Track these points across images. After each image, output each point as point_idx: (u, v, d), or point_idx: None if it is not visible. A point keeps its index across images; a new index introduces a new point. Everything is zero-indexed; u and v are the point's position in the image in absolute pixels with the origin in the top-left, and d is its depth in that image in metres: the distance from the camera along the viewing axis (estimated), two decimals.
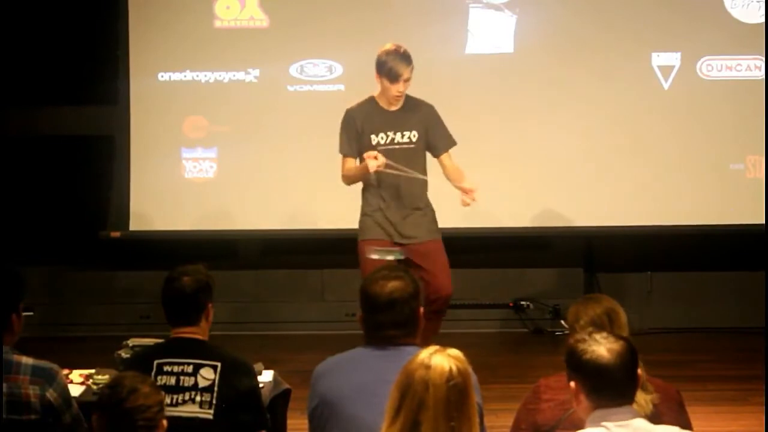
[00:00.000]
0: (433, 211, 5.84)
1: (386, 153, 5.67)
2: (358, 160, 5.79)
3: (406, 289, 3.45)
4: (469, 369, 2.76)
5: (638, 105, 7.04)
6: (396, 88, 5.66)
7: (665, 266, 7.44)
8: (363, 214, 5.84)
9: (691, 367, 6.43)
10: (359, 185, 5.84)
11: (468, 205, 5.74)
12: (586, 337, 2.92)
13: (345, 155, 5.81)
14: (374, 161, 5.57)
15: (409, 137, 5.73)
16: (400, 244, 5.75)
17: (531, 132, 7.00)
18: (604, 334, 2.93)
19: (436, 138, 5.81)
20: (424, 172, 5.77)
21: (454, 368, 2.69)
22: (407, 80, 5.66)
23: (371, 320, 3.45)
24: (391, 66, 5.64)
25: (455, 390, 2.68)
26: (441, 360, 2.71)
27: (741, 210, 7.01)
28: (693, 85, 7.02)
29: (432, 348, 2.76)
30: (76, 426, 3.64)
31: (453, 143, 5.86)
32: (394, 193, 5.73)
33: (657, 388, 3.33)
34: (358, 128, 5.75)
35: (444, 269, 5.79)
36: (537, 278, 7.47)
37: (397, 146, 5.71)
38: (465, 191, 5.70)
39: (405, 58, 5.65)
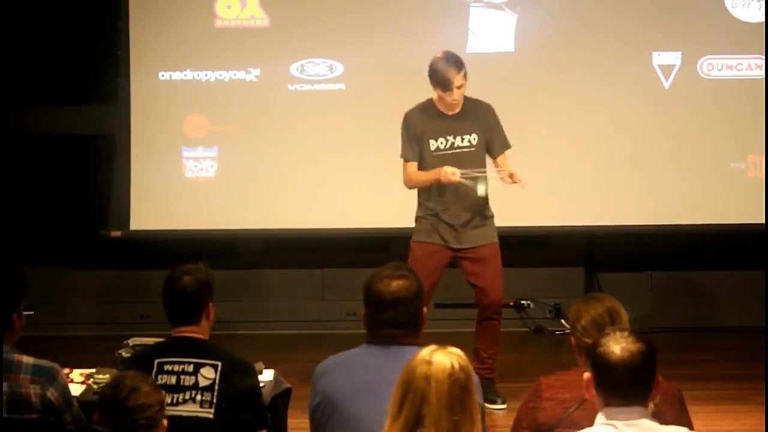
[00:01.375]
0: (492, 218, 5.82)
1: (447, 157, 5.65)
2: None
3: (411, 288, 3.45)
4: (470, 366, 2.77)
5: (639, 104, 7.04)
6: (450, 97, 5.62)
7: (665, 265, 7.44)
8: (420, 217, 5.81)
9: (691, 366, 6.43)
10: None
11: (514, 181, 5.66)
12: (611, 333, 2.93)
13: (407, 160, 5.75)
14: (451, 176, 5.56)
15: (469, 141, 5.70)
16: (455, 249, 5.74)
17: (532, 131, 6.99)
18: (626, 334, 2.92)
19: (494, 140, 5.78)
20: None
21: (455, 364, 2.72)
22: (460, 87, 5.59)
23: (374, 318, 3.45)
24: (441, 74, 5.58)
25: (457, 385, 2.70)
26: (442, 356, 2.73)
27: (741, 209, 7.01)
28: (694, 84, 7.02)
29: (432, 346, 2.78)
30: (77, 425, 3.63)
31: (508, 146, 5.83)
32: (453, 199, 5.71)
33: (658, 387, 3.32)
34: (417, 132, 5.71)
35: (494, 273, 5.77)
36: (538, 277, 7.46)
37: (458, 150, 5.69)
38: (504, 177, 5.65)
39: (455, 63, 5.58)
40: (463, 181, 5.59)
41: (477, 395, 2.81)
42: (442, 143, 5.71)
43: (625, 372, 2.86)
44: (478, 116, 5.74)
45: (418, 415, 2.69)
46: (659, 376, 2.94)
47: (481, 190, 5.63)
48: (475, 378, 2.86)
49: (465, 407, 2.70)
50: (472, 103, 5.76)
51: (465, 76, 5.62)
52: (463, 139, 5.71)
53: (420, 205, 5.82)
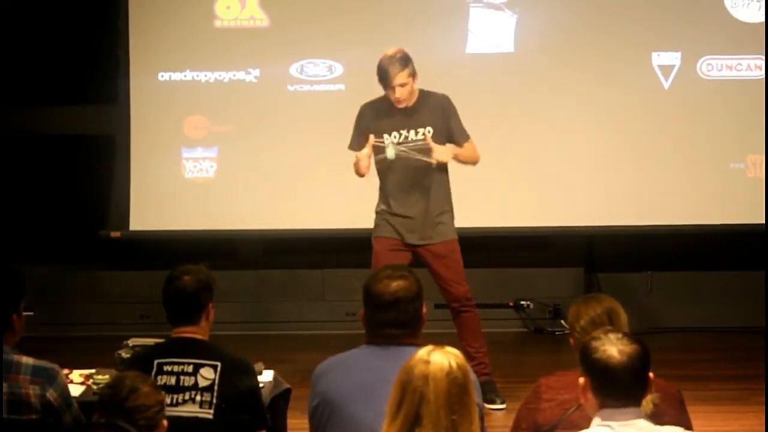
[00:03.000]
0: (451, 215, 5.80)
1: (402, 151, 5.65)
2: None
3: (411, 288, 3.45)
4: (468, 366, 2.78)
5: (638, 104, 7.04)
6: (392, 95, 5.59)
7: (665, 266, 7.44)
8: (377, 212, 5.82)
9: (691, 366, 6.42)
10: (370, 184, 5.81)
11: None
12: (602, 336, 2.93)
13: (351, 149, 5.75)
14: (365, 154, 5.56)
15: (423, 134, 5.67)
16: (413, 245, 5.74)
17: (531, 131, 7.00)
18: (619, 335, 2.92)
19: (452, 130, 5.73)
20: (444, 167, 5.73)
21: (453, 363, 2.72)
22: (402, 85, 5.55)
23: (374, 318, 3.45)
24: (382, 72, 5.56)
25: (455, 384, 2.70)
26: (440, 356, 2.74)
27: (741, 209, 7.01)
28: (693, 84, 7.02)
29: (429, 346, 2.79)
30: (76, 426, 3.64)
31: (466, 137, 5.77)
32: (402, 192, 5.70)
33: (657, 387, 3.31)
34: (368, 125, 5.68)
35: (454, 269, 5.76)
36: (537, 278, 7.47)
37: (411, 144, 5.66)
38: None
39: (399, 61, 5.54)
40: (401, 154, 5.58)
41: (475, 395, 2.82)
42: (395, 137, 5.67)
43: (626, 374, 2.87)
44: (433, 107, 5.69)
45: (416, 414, 2.69)
46: (651, 373, 2.94)
47: (390, 153, 5.60)
48: (474, 377, 2.86)
49: (463, 407, 2.70)
50: (427, 96, 5.71)
51: (411, 75, 5.56)
52: (417, 132, 5.67)
53: (379, 198, 5.82)
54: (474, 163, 5.82)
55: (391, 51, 5.61)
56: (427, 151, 5.65)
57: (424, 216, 5.73)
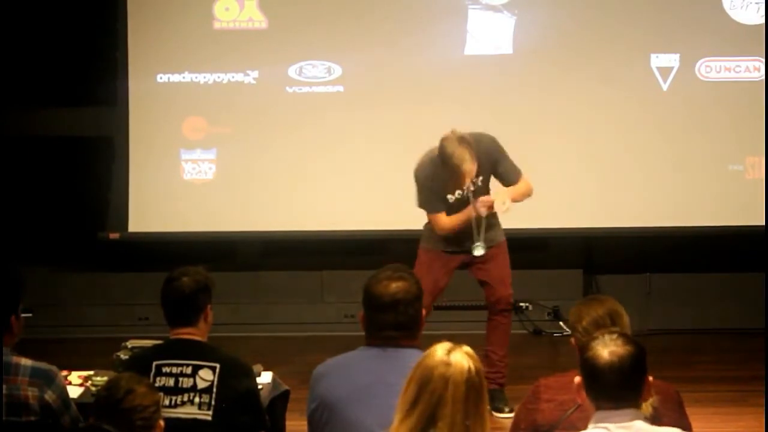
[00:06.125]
0: (498, 221, 5.82)
1: (460, 203, 5.64)
2: None
3: (410, 290, 3.45)
4: (483, 369, 2.76)
5: (637, 106, 7.04)
6: (461, 178, 5.51)
7: (664, 267, 7.43)
8: (428, 224, 5.79)
9: (690, 368, 6.43)
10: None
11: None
12: (600, 336, 2.92)
13: (436, 212, 5.70)
14: (488, 206, 5.58)
15: (476, 183, 5.66)
16: (465, 253, 5.74)
17: (529, 133, 6.99)
18: (615, 336, 2.91)
19: (505, 173, 5.71)
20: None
21: (472, 367, 2.71)
22: (471, 171, 5.49)
23: (373, 320, 3.45)
24: (455, 167, 5.45)
25: (473, 389, 2.69)
26: (460, 358, 2.71)
27: (740, 211, 7.01)
28: (692, 86, 7.02)
29: (447, 344, 2.76)
30: (75, 428, 3.63)
31: (520, 174, 5.75)
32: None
33: (656, 389, 3.31)
34: (436, 189, 5.64)
35: (502, 269, 5.82)
36: (536, 279, 7.45)
37: (466, 193, 5.65)
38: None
39: (467, 150, 5.42)
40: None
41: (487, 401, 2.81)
42: (450, 197, 5.67)
43: (613, 376, 2.85)
44: (483, 154, 5.62)
45: (431, 415, 2.67)
46: (650, 377, 2.94)
47: (478, 251, 5.70)
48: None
49: (478, 412, 2.69)
50: (476, 143, 5.58)
51: (475, 157, 5.48)
52: (473, 185, 5.65)
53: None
54: (529, 195, 5.80)
55: (454, 139, 5.44)
56: (480, 192, 5.65)
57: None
